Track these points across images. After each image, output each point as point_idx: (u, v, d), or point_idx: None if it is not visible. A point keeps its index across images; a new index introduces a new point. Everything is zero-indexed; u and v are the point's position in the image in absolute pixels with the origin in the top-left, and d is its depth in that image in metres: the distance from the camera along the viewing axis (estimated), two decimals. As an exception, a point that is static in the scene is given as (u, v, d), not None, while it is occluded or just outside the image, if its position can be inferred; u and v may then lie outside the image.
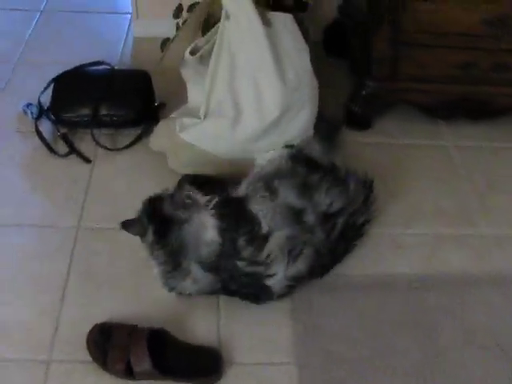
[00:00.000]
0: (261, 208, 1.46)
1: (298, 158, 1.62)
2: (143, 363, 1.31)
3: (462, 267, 1.61)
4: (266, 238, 1.42)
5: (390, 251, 1.64)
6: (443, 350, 1.43)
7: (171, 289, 1.45)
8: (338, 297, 1.53)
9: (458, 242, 1.67)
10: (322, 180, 1.54)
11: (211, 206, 1.44)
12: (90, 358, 1.35)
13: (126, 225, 1.44)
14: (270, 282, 1.42)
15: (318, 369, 1.39)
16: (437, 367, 1.40)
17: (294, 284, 1.46)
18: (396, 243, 1.66)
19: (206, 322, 1.45)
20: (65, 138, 1.80)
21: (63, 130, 1.83)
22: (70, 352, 1.38)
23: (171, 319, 1.44)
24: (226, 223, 1.42)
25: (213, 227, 1.41)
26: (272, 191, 1.50)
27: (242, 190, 1.54)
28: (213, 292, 1.46)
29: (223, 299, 1.49)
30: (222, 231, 1.41)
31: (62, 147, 1.81)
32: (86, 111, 1.81)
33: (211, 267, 1.41)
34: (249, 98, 1.61)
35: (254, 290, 1.44)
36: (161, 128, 1.73)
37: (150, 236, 1.42)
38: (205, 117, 1.66)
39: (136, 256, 1.55)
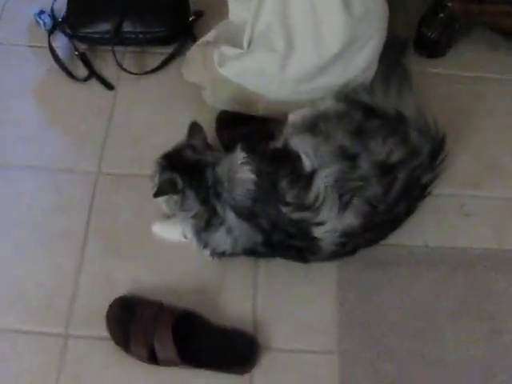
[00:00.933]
0: (300, 144, 1.25)
1: (355, 101, 1.35)
2: (168, 351, 1.17)
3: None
4: (311, 177, 1.21)
5: (456, 218, 1.40)
6: (506, 350, 1.25)
7: (205, 245, 1.27)
8: (390, 274, 1.33)
9: (539, 211, 1.43)
10: (381, 127, 1.29)
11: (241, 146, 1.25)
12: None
13: (160, 191, 1.22)
14: (318, 233, 1.22)
15: (361, 360, 1.24)
16: (500, 365, 1.23)
17: (345, 241, 1.25)
18: (463, 208, 1.41)
19: (241, 301, 1.28)
20: (83, 59, 1.52)
21: (81, 48, 1.55)
22: (89, 326, 1.24)
23: (201, 294, 1.28)
24: (263, 164, 1.22)
25: (246, 163, 1.21)
26: (315, 132, 1.27)
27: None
28: (251, 249, 1.27)
29: (261, 275, 1.31)
30: (258, 172, 1.21)
31: (80, 69, 1.54)
32: (106, 27, 1.52)
33: (245, 214, 1.22)
34: (304, 26, 1.31)
35: (300, 243, 1.25)
36: (196, 56, 1.44)
37: (179, 185, 1.21)
38: (249, 46, 1.37)
39: (161, 210, 1.36)
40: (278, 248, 1.27)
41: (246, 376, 1.20)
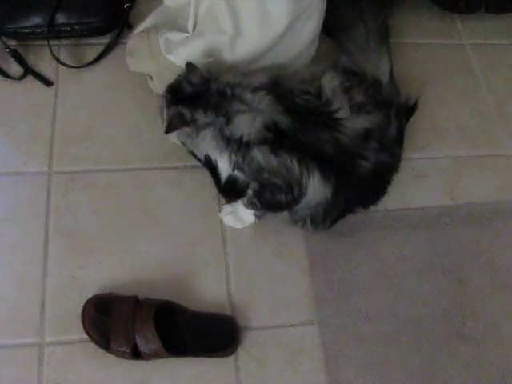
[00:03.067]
0: None
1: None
2: (152, 344, 1.15)
3: (487, 195, 1.46)
4: None
5: (410, 181, 1.45)
6: (472, 299, 1.32)
7: (227, 140, 1.20)
8: (356, 240, 1.37)
9: (481, 166, 1.51)
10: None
11: None
12: (87, 337, 1.18)
13: (171, 127, 1.21)
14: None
15: (341, 327, 1.27)
16: (467, 313, 1.30)
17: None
18: (416, 171, 1.47)
19: (215, 286, 1.28)
20: (16, 56, 1.44)
21: (12, 45, 1.46)
22: (63, 331, 1.20)
23: (175, 284, 1.27)
24: None
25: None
26: None
27: None
28: (274, 123, 1.19)
29: (231, 256, 1.31)
30: None
31: (13, 67, 1.46)
32: (37, 20, 1.44)
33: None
34: (250, 6, 1.29)
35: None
36: (140, 45, 1.39)
37: (187, 116, 1.19)
38: (194, 29, 1.35)
39: (125, 204, 1.34)
40: (303, 120, 1.21)
41: (231, 358, 1.21)
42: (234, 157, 1.20)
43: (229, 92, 1.20)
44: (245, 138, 1.18)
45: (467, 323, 1.29)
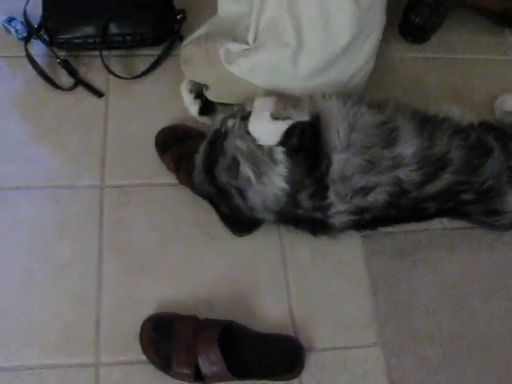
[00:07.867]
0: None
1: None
2: (216, 367, 1.10)
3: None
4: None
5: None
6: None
7: None
8: (416, 260, 1.33)
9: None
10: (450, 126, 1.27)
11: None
12: (145, 358, 1.14)
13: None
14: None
15: (405, 349, 1.23)
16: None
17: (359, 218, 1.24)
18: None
19: (276, 305, 1.24)
20: (67, 66, 1.41)
21: (63, 55, 1.43)
22: (120, 351, 1.15)
23: (234, 304, 1.22)
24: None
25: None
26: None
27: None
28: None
29: (292, 276, 1.27)
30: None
31: (63, 77, 1.43)
32: (91, 31, 1.41)
33: None
34: (313, 19, 1.25)
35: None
36: (196, 53, 1.36)
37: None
38: (254, 41, 1.31)
39: (181, 219, 1.30)
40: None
41: (295, 380, 1.16)
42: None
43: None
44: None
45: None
